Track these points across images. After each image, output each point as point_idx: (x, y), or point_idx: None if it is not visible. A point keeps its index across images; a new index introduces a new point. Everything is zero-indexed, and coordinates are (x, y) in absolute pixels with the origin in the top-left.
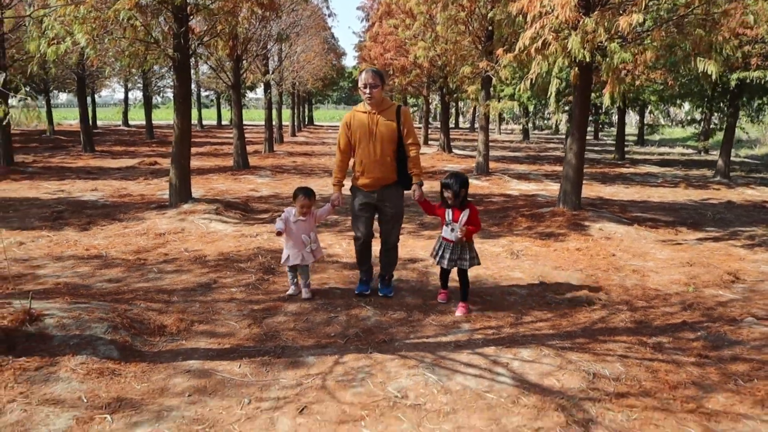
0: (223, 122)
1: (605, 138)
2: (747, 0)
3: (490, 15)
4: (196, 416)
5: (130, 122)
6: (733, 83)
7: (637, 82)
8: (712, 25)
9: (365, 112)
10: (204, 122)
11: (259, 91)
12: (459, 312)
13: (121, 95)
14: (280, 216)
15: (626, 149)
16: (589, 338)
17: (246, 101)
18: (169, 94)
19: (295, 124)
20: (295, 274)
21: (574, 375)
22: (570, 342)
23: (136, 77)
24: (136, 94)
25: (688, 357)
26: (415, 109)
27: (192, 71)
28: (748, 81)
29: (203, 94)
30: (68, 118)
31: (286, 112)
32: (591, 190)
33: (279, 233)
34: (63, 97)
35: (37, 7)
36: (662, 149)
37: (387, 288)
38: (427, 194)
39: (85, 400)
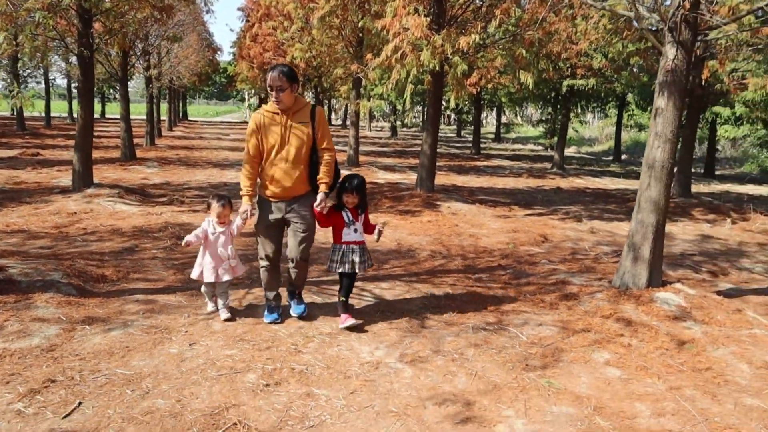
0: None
1: (467, 135)
2: (574, 21)
3: (360, 23)
4: (152, 324)
5: None
6: (564, 89)
7: (489, 85)
8: (540, 44)
9: (276, 113)
10: (74, 115)
11: (132, 85)
12: (348, 323)
13: None
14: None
15: (483, 146)
16: (429, 275)
17: (119, 95)
18: (33, 85)
19: (172, 118)
20: (212, 292)
21: (416, 295)
22: (416, 278)
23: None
24: None
25: (497, 284)
26: None
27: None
28: (575, 88)
29: (73, 86)
30: None
31: (163, 107)
32: (447, 179)
33: (187, 244)
34: None
35: None
36: (516, 146)
37: (301, 304)
38: None
39: (64, 319)
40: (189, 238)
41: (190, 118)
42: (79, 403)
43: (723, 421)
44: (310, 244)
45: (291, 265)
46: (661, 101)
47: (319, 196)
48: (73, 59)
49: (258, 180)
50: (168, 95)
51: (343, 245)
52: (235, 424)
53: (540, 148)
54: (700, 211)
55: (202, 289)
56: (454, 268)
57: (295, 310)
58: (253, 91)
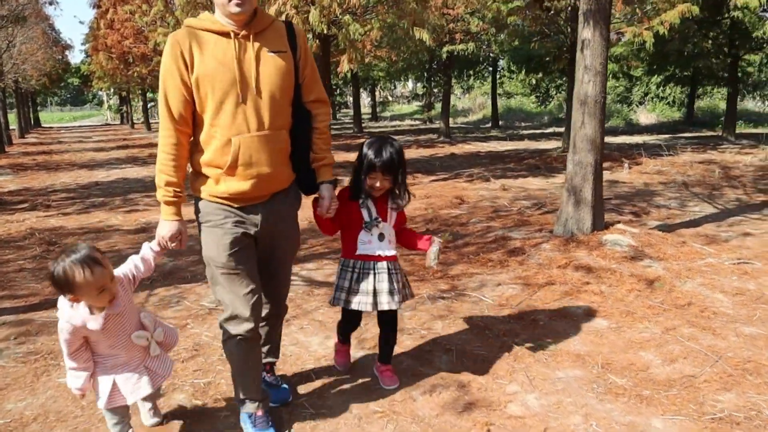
0: None
1: (342, 118)
2: None
3: None
4: (29, 351)
5: None
6: (444, 56)
7: (367, 60)
8: (423, 2)
9: (222, 33)
10: None
11: None
12: (389, 381)
13: None
14: (65, 338)
15: (363, 125)
16: None
17: None
18: None
19: (23, 125)
20: (125, 414)
21: None
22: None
23: None
24: None
25: None
26: (153, 104)
27: None
28: (456, 53)
29: None
30: None
31: (11, 116)
32: (337, 156)
33: (82, 393)
34: None
35: None
36: (394, 123)
37: (283, 387)
38: None
39: None
40: (75, 384)
41: (43, 125)
42: None
43: (737, 354)
44: (290, 272)
45: (271, 315)
46: (587, 32)
47: (326, 193)
48: None
49: (188, 169)
50: (15, 99)
51: (359, 261)
52: None
53: (418, 122)
54: None
55: (111, 417)
56: None
57: (276, 396)
58: (111, 90)
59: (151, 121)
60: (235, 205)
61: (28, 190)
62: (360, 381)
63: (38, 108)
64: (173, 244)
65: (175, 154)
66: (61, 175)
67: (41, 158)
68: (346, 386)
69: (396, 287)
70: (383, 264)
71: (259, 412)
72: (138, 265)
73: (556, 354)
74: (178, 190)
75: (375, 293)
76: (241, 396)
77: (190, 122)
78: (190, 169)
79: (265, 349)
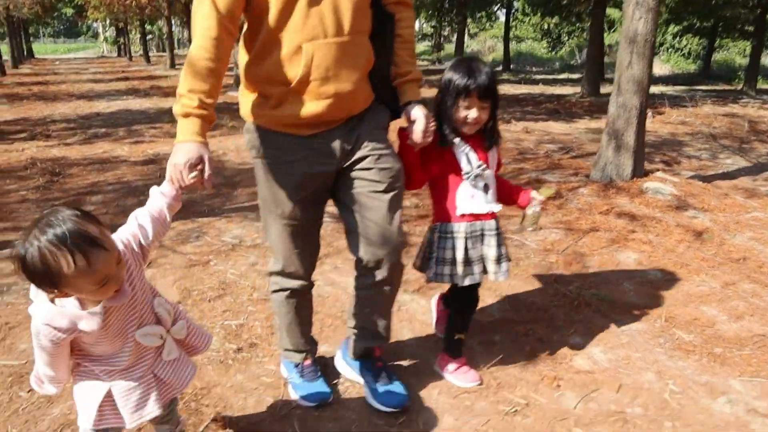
0: None
1: None
2: None
3: None
4: None
5: None
6: None
7: None
8: None
9: None
10: None
11: None
12: (472, 379)
13: None
14: (43, 346)
15: None
16: None
17: None
18: None
19: (16, 56)
20: None
21: None
22: None
23: None
24: None
25: None
26: (151, 37)
27: None
28: None
29: None
30: None
31: (3, 48)
32: None
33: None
34: None
35: None
36: None
37: (395, 380)
38: None
39: None
40: (48, 389)
41: (38, 56)
42: None
43: None
44: (401, 213)
45: (370, 279)
46: None
47: (418, 112)
48: None
49: (242, 87)
50: (7, 29)
51: (463, 223)
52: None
53: (426, 62)
54: None
55: None
56: None
57: (383, 397)
58: (107, 21)
59: (150, 54)
60: (306, 133)
61: (26, 120)
62: (410, 326)
63: (30, 39)
64: (192, 177)
65: (213, 53)
66: (59, 106)
67: (37, 89)
68: (395, 332)
69: (504, 252)
70: (491, 223)
71: (307, 361)
72: (144, 226)
73: (614, 305)
74: (207, 101)
75: (482, 260)
76: (287, 345)
77: (238, 23)
78: (241, 92)
79: (369, 326)
